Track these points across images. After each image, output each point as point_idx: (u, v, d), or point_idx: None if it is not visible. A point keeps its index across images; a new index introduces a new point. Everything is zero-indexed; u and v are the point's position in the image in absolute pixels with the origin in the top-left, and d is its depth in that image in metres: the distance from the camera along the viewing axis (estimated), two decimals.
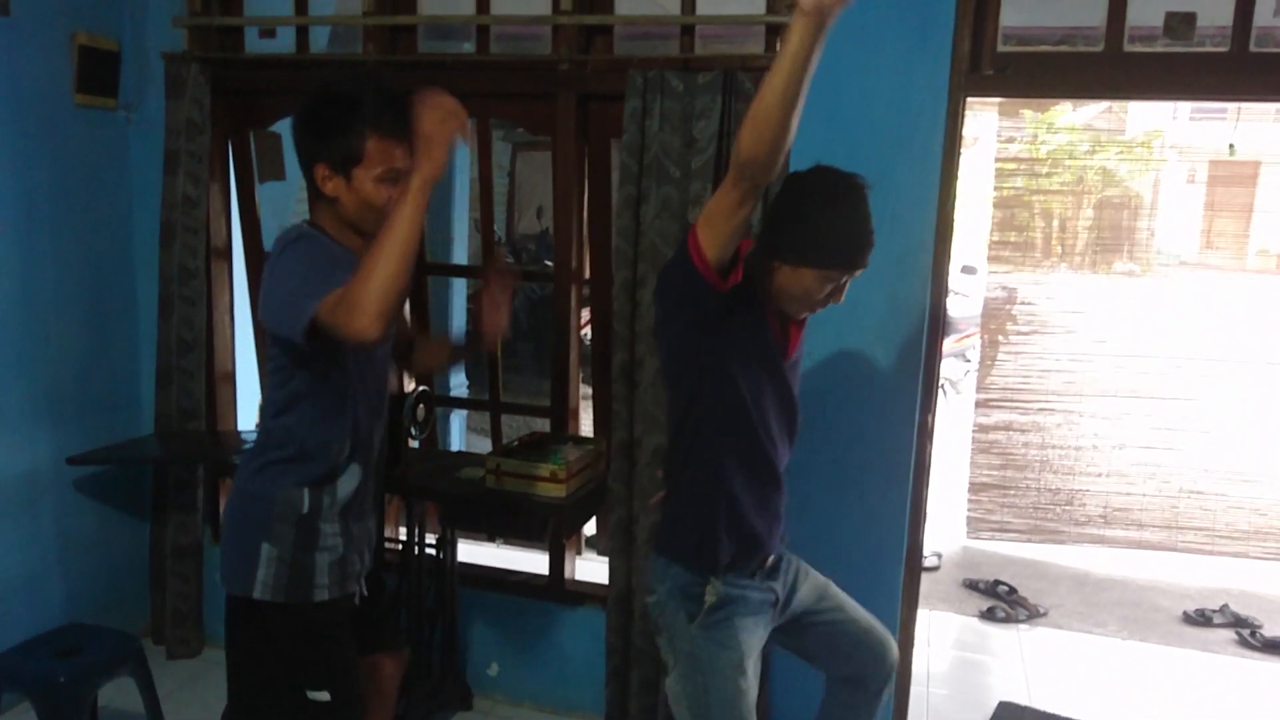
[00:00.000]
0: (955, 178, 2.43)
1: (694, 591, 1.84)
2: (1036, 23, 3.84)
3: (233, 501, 1.93)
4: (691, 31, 2.61)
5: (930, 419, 2.57)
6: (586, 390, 3.05)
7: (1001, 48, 2.43)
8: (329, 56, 3.11)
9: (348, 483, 1.90)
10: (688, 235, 1.68)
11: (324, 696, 1.89)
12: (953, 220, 2.46)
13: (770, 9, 2.53)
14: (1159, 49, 2.42)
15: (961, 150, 2.46)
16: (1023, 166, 5.14)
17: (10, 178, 2.76)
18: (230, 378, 3.29)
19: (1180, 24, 2.32)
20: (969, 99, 2.43)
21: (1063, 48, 3.52)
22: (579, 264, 2.86)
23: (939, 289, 2.49)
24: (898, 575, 2.58)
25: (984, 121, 7.48)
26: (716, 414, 1.81)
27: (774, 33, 2.52)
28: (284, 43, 3.04)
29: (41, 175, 2.86)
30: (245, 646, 1.98)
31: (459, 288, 5.56)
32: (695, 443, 1.84)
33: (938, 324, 2.53)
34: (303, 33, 2.99)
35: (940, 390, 2.57)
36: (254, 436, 2.10)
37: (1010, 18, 2.45)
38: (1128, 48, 2.37)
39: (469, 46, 3.03)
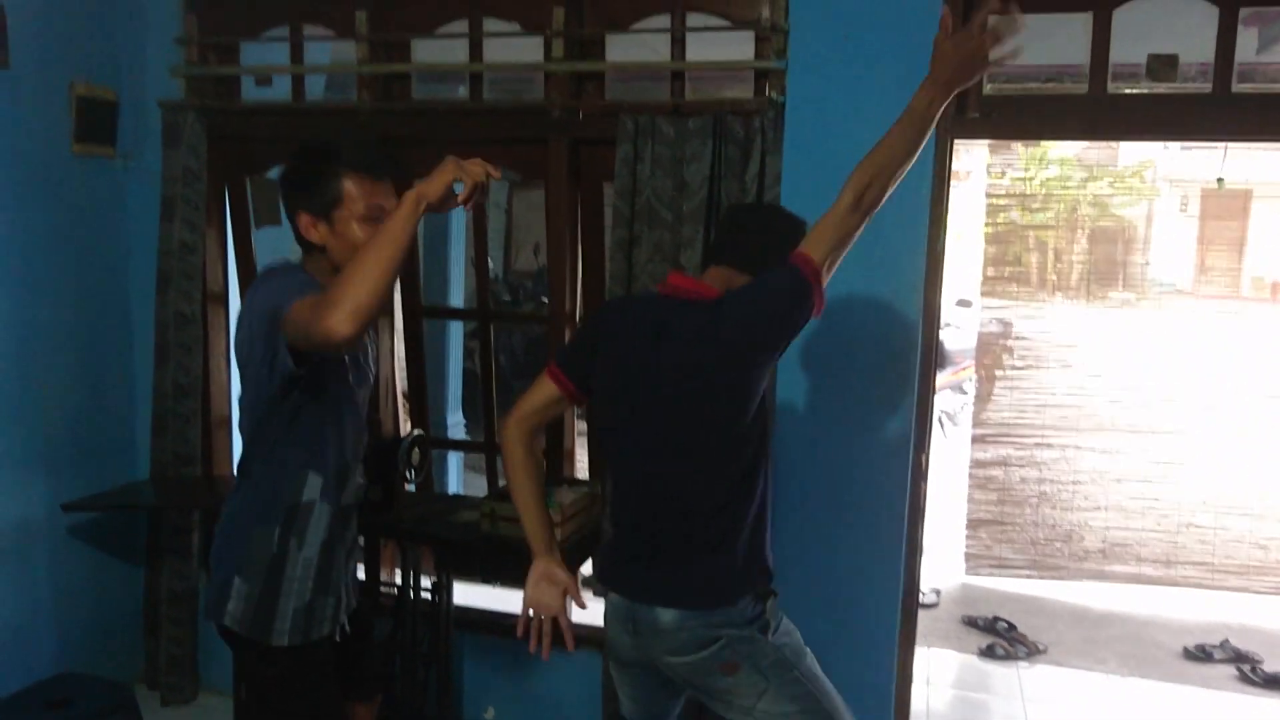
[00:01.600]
0: (944, 219, 2.45)
1: (758, 611, 1.87)
2: (1023, 60, 3.89)
3: (216, 532, 1.96)
4: (682, 77, 2.64)
5: (924, 458, 2.57)
6: (582, 426, 3.05)
7: (987, 88, 2.46)
8: (324, 104, 3.14)
9: (317, 525, 1.90)
10: (806, 275, 1.71)
11: None
12: (943, 261, 2.47)
13: (759, 55, 2.57)
14: (1142, 89, 2.44)
15: (951, 189, 2.48)
16: (1015, 200, 5.18)
17: (8, 226, 2.79)
18: (226, 423, 3.28)
19: (1162, 67, 2.34)
20: (956, 140, 2.46)
21: (1050, 85, 3.56)
22: (572, 306, 2.88)
23: (930, 330, 2.50)
24: (894, 615, 2.57)
25: (975, 156, 7.55)
26: (768, 439, 1.90)
27: (762, 78, 2.56)
28: (280, 91, 3.07)
29: (39, 224, 2.88)
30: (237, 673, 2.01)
31: (455, 330, 5.60)
32: (762, 476, 1.87)
33: (930, 364, 2.53)
34: (298, 81, 3.02)
35: (938, 423, 2.58)
36: None
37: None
38: (1111, 88, 2.39)
39: (463, 92, 3.07)
